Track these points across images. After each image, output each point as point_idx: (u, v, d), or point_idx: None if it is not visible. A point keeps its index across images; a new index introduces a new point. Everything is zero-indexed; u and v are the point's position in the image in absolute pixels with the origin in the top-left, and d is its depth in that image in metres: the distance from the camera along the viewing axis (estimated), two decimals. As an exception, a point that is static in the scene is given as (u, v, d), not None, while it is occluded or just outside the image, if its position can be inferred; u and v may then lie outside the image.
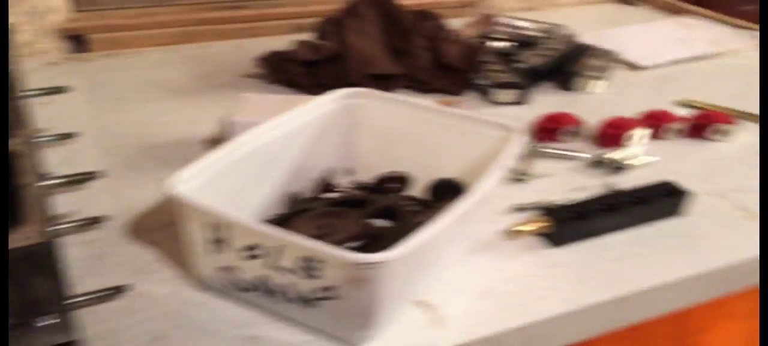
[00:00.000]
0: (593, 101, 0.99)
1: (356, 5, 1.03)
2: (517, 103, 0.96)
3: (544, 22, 1.20)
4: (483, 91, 0.99)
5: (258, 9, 1.23)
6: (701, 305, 0.66)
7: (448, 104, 0.92)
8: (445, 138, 0.68)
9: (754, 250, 0.66)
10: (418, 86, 1.00)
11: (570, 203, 0.68)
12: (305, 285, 0.49)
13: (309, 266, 0.48)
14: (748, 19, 1.33)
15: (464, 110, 0.71)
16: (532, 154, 0.81)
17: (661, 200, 0.69)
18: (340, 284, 0.48)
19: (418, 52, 1.01)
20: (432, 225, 0.49)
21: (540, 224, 0.64)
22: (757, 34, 1.23)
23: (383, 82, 0.97)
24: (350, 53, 0.96)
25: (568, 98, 1.00)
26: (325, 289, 0.49)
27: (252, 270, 0.51)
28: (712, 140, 0.87)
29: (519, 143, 0.63)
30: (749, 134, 0.89)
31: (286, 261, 0.49)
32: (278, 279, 0.50)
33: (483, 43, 1.09)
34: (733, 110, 0.94)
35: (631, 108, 0.93)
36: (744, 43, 1.22)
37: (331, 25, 1.01)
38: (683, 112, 0.90)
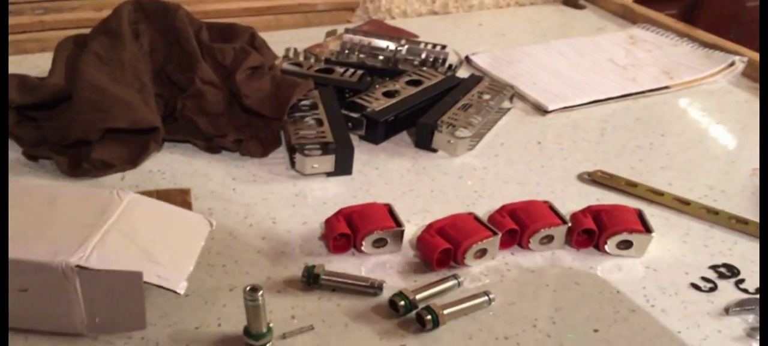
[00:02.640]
0: (449, 171, 0.66)
1: (117, 16, 0.70)
2: (336, 173, 0.64)
3: (420, 43, 0.87)
4: (296, 152, 0.66)
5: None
6: None
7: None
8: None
9: None
10: (201, 143, 0.67)
11: None
12: None
13: None
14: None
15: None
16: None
17: None
18: None
19: (203, 88, 0.69)
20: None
21: None
22: (732, 58, 0.90)
23: (139, 136, 0.65)
24: (79, 94, 0.63)
25: (418, 163, 0.68)
26: None
27: None
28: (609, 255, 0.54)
29: None
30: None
31: None
32: None
33: (308, 75, 0.76)
34: (652, 191, 0.62)
35: (494, 189, 0.61)
36: (706, 69, 0.89)
37: (68, 49, 0.69)
38: (580, 193, 0.58)
